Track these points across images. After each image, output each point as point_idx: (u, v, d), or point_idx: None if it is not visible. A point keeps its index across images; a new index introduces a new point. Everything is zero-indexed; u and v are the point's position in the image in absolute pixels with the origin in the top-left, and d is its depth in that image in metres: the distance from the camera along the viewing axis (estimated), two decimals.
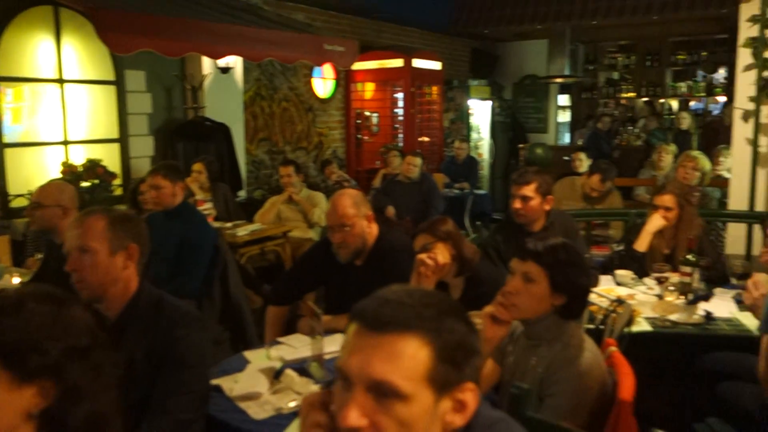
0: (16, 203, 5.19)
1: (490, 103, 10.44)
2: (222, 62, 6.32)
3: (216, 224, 5.03)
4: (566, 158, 7.74)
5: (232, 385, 2.20)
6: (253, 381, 2.22)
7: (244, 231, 5.03)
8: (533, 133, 11.32)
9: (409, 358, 0.98)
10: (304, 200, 5.67)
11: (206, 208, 5.16)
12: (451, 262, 2.61)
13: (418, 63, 8.73)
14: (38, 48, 5.45)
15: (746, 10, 4.25)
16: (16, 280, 3.56)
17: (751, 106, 4.24)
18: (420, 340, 0.99)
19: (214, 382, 2.19)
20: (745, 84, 4.30)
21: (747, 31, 4.23)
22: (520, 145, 10.31)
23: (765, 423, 2.30)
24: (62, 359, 1.11)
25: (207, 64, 6.38)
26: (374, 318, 1.01)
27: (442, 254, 2.57)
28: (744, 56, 4.28)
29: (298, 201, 5.65)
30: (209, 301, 3.76)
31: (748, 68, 4.25)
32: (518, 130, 11.22)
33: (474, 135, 10.35)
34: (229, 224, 5.23)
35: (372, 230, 2.92)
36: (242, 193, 6.77)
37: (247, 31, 5.38)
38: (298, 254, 5.30)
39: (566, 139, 11.79)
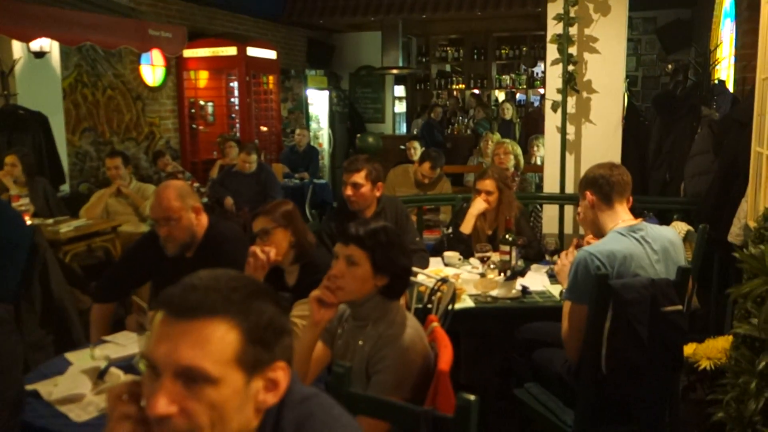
0: None
1: (327, 93, 10.53)
2: (35, 45, 5.83)
3: (35, 221, 4.67)
4: (402, 147, 8.01)
5: (51, 389, 2.08)
6: (74, 383, 2.10)
7: (67, 227, 4.71)
8: (371, 123, 11.60)
9: (217, 341, 1.00)
10: (134, 193, 5.41)
11: (22, 203, 4.78)
12: (289, 249, 2.63)
13: (252, 52, 8.60)
14: None
15: (552, 9, 4.63)
16: None
17: (558, 97, 4.63)
18: (228, 323, 1.01)
19: (30, 387, 2.06)
20: (554, 77, 4.69)
21: (554, 28, 4.62)
22: (358, 135, 10.52)
23: (572, 382, 2.55)
24: None
25: (18, 48, 5.86)
26: (181, 305, 1.01)
27: (279, 245, 2.58)
28: (552, 51, 4.66)
29: (128, 194, 5.37)
30: (28, 303, 3.49)
31: (555, 62, 4.63)
32: (356, 120, 11.44)
33: (313, 125, 10.40)
34: (50, 220, 4.88)
35: (201, 221, 2.86)
36: (65, 187, 6.32)
37: (62, 13, 5.01)
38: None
39: (403, 129, 12.20)
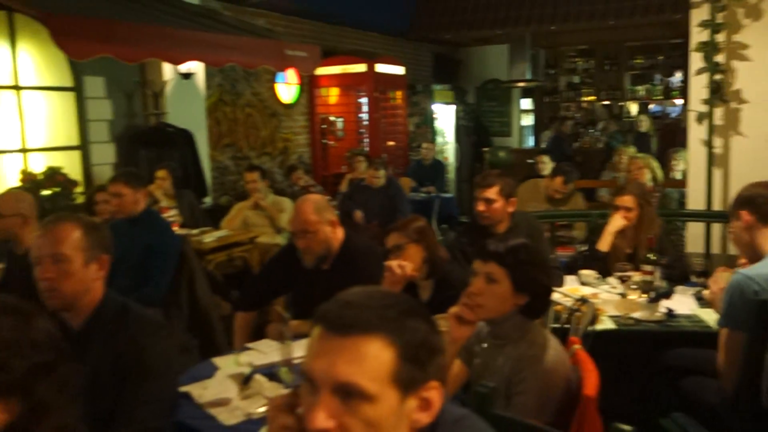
0: None
1: (453, 107, 10.53)
2: (183, 68, 6.26)
3: (182, 231, 4.98)
4: (530, 161, 7.86)
5: (202, 391, 2.19)
6: (222, 387, 2.21)
7: (210, 238, 4.99)
8: (497, 137, 11.47)
9: (373, 359, 1.00)
10: (271, 206, 5.65)
11: (171, 215, 5.12)
12: (422, 264, 2.64)
13: (381, 68, 8.77)
14: None
15: (696, 16, 4.38)
16: None
17: (704, 108, 4.36)
18: (383, 341, 1.01)
19: (183, 389, 2.18)
20: (698, 87, 4.42)
21: (698, 35, 4.36)
22: (484, 149, 10.43)
23: (727, 416, 2.37)
24: (28, 376, 1.10)
25: (168, 69, 6.32)
26: (337, 321, 1.03)
27: (412, 259, 2.60)
28: (696, 60, 4.40)
29: (265, 207, 5.62)
30: (176, 308, 3.73)
31: (700, 72, 4.37)
32: (482, 133, 11.35)
33: (439, 139, 10.44)
34: (195, 231, 5.18)
35: (337, 235, 2.93)
36: (208, 200, 6.71)
37: (208, 36, 5.35)
38: (266, 260, 5.27)
39: (530, 142, 11.97)
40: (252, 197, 5.67)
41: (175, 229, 4.83)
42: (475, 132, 11.19)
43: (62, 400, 1.15)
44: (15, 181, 5.32)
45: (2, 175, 5.40)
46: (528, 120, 12.12)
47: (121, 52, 4.41)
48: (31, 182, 5.29)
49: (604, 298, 3.12)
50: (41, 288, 1.94)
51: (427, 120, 10.28)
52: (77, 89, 5.88)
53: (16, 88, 5.48)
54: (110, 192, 3.76)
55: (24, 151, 5.54)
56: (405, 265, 2.54)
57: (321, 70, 8.33)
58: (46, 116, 5.76)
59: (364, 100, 8.84)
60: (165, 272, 3.70)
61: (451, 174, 10.30)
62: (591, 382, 1.77)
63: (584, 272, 3.51)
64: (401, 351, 1.01)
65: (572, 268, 3.68)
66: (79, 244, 1.95)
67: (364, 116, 8.86)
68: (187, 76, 6.44)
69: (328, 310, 1.05)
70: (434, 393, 1.06)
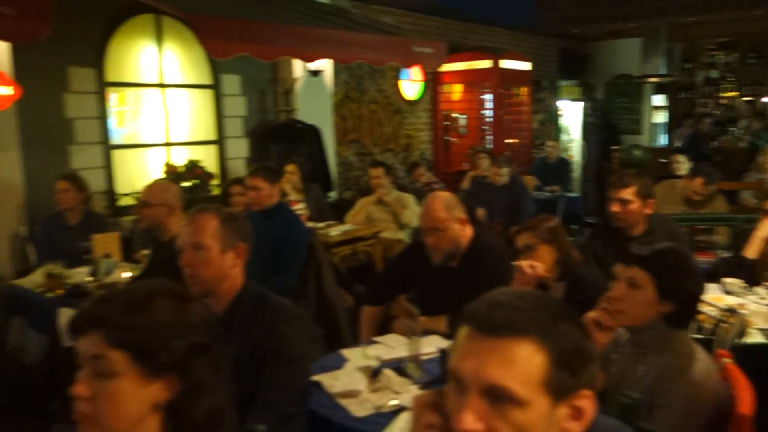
0: (123, 202, 5.48)
1: (580, 104, 10.18)
2: (312, 66, 6.45)
3: (309, 224, 5.13)
4: (663, 160, 7.45)
5: (332, 382, 2.24)
6: (351, 379, 2.25)
7: (336, 231, 5.11)
8: (627, 135, 10.97)
9: (524, 363, 0.97)
10: (394, 202, 5.71)
11: (299, 208, 5.28)
12: (554, 266, 2.56)
13: (506, 64, 8.62)
14: (141, 54, 5.73)
15: None
16: (126, 274, 3.76)
17: None
18: (535, 344, 0.98)
19: (314, 378, 2.23)
20: None
21: None
22: (613, 147, 10.01)
23: None
24: (187, 356, 1.16)
25: (298, 67, 6.53)
26: (487, 321, 1.00)
27: (543, 260, 2.53)
28: None
29: (388, 202, 5.69)
30: (304, 299, 3.84)
31: None
32: (611, 131, 10.90)
33: (564, 137, 10.13)
34: (321, 224, 5.32)
35: (465, 233, 2.90)
36: (333, 194, 6.88)
37: (338, 34, 5.47)
38: (388, 255, 5.34)
39: (662, 140, 11.36)
40: (376, 193, 5.75)
41: (304, 221, 4.97)
42: (602, 129, 10.76)
43: (215, 381, 1.21)
44: (159, 173, 5.70)
45: (147, 168, 5.80)
46: (660, 117, 11.50)
47: (258, 51, 4.60)
48: (173, 174, 5.65)
49: (752, 309, 2.90)
50: (185, 274, 2.06)
51: (552, 117, 10.01)
52: (216, 87, 6.21)
53: (162, 86, 5.86)
54: (248, 185, 3.93)
55: (167, 145, 5.92)
56: (536, 265, 2.48)
57: (445, 67, 8.28)
58: (188, 112, 6.13)
59: (488, 96, 8.72)
60: (295, 263, 3.82)
61: (576, 173, 9.97)
62: (746, 399, 1.64)
63: (729, 280, 3.28)
64: (554, 356, 0.98)
65: (713, 275, 3.44)
66: (215, 234, 2.05)
67: (488, 113, 8.75)
68: (315, 73, 6.62)
69: (476, 309, 1.03)
70: (586, 402, 1.02)
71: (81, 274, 3.83)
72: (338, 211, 6.04)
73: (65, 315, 3.23)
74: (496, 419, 0.96)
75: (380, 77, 7.89)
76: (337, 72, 7.17)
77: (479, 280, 2.75)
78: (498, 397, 0.96)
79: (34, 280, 3.81)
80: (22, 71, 4.60)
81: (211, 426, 1.20)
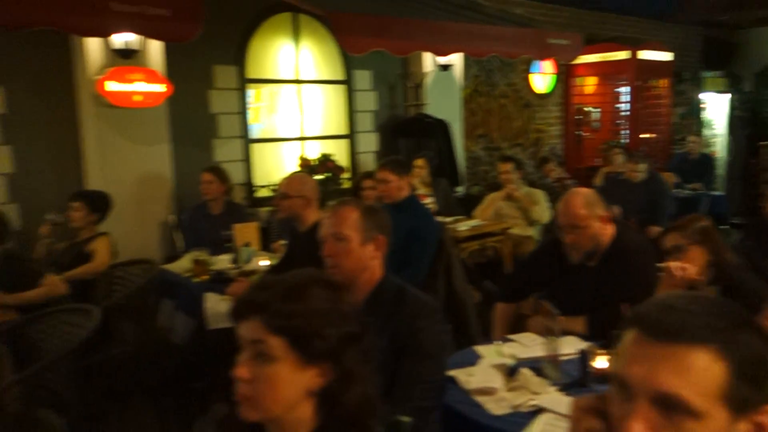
0: (260, 194, 5.74)
1: (726, 96, 9.49)
2: (443, 60, 6.43)
3: (438, 219, 5.13)
4: None
5: (467, 378, 2.22)
6: (487, 376, 2.22)
7: (464, 226, 5.08)
8: None
9: (701, 372, 0.90)
10: (524, 197, 5.59)
11: (428, 202, 5.29)
12: (706, 268, 2.40)
13: (644, 54, 8.20)
14: (279, 52, 5.96)
15: None
16: (264, 263, 3.93)
17: None
18: (713, 353, 0.91)
19: (449, 373, 2.22)
20: None
21: None
22: (762, 143, 9.26)
23: None
24: (340, 345, 1.19)
25: (428, 62, 6.54)
26: (658, 326, 0.94)
27: (694, 262, 2.37)
28: None
29: (518, 198, 5.57)
30: (433, 293, 3.84)
31: None
32: (760, 126, 10.07)
33: (707, 131, 9.49)
34: (449, 219, 5.31)
35: (607, 231, 2.78)
36: (460, 189, 6.85)
37: (471, 28, 5.42)
38: (517, 251, 5.24)
39: None
40: (505, 188, 5.65)
41: None
42: (751, 124, 9.97)
43: (365, 371, 1.23)
44: (294, 166, 5.91)
45: (283, 161, 6.03)
46: None
47: (392, 46, 4.66)
48: (306, 167, 5.84)
49: None
50: (326, 264, 2.11)
51: (694, 110, 9.40)
52: (348, 82, 6.34)
53: (297, 82, 6.07)
54: (377, 178, 3.98)
55: (302, 139, 6.13)
56: (687, 267, 2.33)
57: (579, 59, 8.02)
58: (321, 107, 6.31)
59: (623, 89, 8.35)
60: (424, 257, 3.83)
61: (720, 170, 9.31)
62: None
63: None
64: (734, 367, 0.90)
65: None
66: (356, 225, 2.09)
67: (623, 106, 8.37)
68: (445, 67, 6.60)
69: (646, 312, 0.97)
70: None
71: (224, 261, 4.05)
72: (466, 206, 6.00)
73: (210, 299, 3.42)
74: (668, 430, 0.90)
75: (510, 70, 7.75)
76: (467, 66, 7.11)
77: (622, 281, 2.64)
78: (670, 407, 0.90)
79: (182, 265, 4.08)
80: (172, 70, 4.91)
81: (361, 415, 1.22)
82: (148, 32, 4.15)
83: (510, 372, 2.26)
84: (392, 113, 6.68)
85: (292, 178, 3.60)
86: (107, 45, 4.54)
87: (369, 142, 6.55)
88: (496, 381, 2.18)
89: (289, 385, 1.16)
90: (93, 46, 4.54)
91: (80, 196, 4.17)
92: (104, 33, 4.26)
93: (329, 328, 1.18)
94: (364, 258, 2.08)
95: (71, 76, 4.72)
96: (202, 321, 3.44)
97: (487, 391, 2.12)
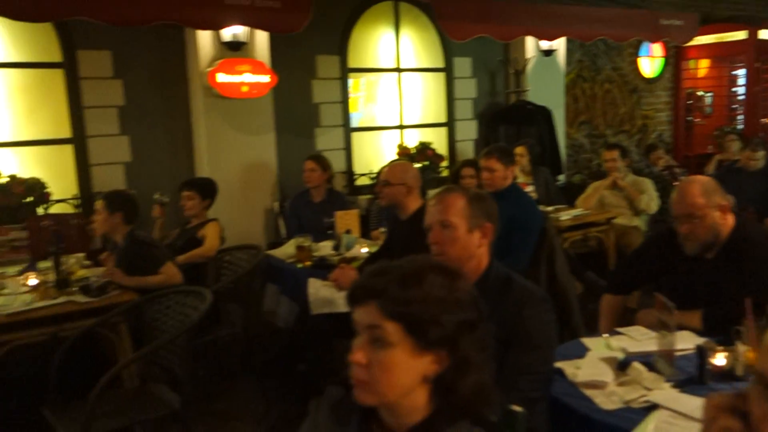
0: (360, 182, 5.82)
1: None
2: (545, 45, 6.27)
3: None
4: None
5: (574, 370, 2.16)
6: (596, 369, 2.15)
7: (566, 216, 4.95)
8: None
9: None
10: (630, 186, 5.37)
11: (528, 191, 5.17)
12: None
13: (764, 34, 7.67)
14: (380, 41, 5.99)
15: None
16: (364, 250, 3.98)
17: None
18: None
19: (556, 365, 2.17)
20: None
21: None
22: None
23: None
24: (456, 332, 1.18)
25: (530, 47, 6.39)
26: None
27: None
28: None
29: (623, 187, 5.36)
30: (535, 283, 3.76)
31: None
32: None
33: None
34: (550, 208, 5.18)
35: (727, 221, 2.62)
36: (561, 177, 6.67)
37: (578, 10, 5.26)
38: (622, 242, 5.06)
39: None
40: (610, 176, 5.45)
41: None
42: None
43: (481, 359, 1.21)
44: (393, 155, 5.95)
45: (382, 149, 6.08)
46: None
47: (497, 32, 4.59)
48: (405, 156, 5.86)
49: None
50: (432, 251, 2.10)
51: None
52: (447, 70, 6.30)
53: (398, 70, 6.09)
54: (482, 166, 3.93)
55: (401, 127, 6.15)
56: None
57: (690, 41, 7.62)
58: (420, 96, 6.30)
59: (740, 72, 7.86)
60: (526, 246, 3.75)
61: None
62: None
63: None
64: None
65: None
66: (463, 213, 2.07)
67: (740, 90, 7.89)
68: (548, 53, 6.43)
69: None
70: None
71: (326, 248, 4.13)
72: (567, 195, 5.85)
73: (313, 285, 3.50)
74: None
75: (616, 54, 7.45)
76: (570, 50, 6.90)
77: (743, 275, 2.48)
78: None
79: (286, 251, 4.19)
80: (277, 61, 5.04)
81: (476, 403, 1.21)
82: (259, 24, 4.30)
83: (620, 366, 2.18)
84: (492, 100, 6.59)
85: (394, 166, 3.61)
86: (217, 38, 4.72)
87: (468, 130, 6.49)
88: (606, 375, 2.11)
89: (404, 370, 1.16)
90: (204, 39, 4.72)
91: (191, 184, 4.36)
92: (218, 25, 4.45)
93: (446, 314, 1.17)
94: (471, 246, 2.07)
95: (184, 68, 4.94)
96: (305, 306, 3.52)
97: (597, 385, 2.05)
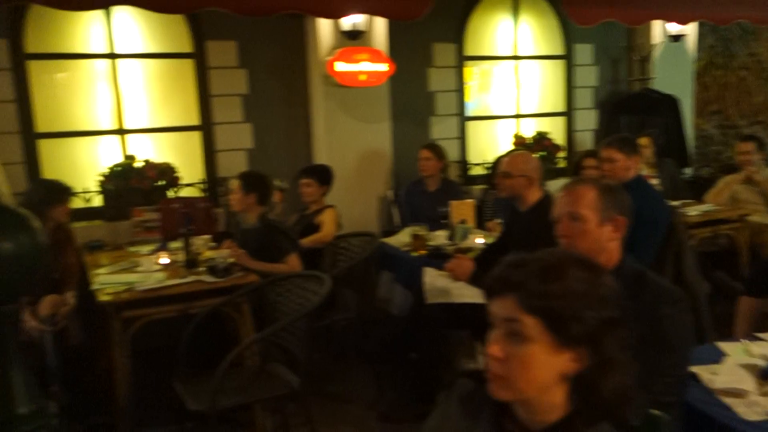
0: (474, 171, 5.75)
1: None
2: (674, 30, 5.92)
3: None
4: None
5: (711, 376, 2.03)
6: (735, 376, 2.01)
7: (694, 211, 4.67)
8: None
9: None
10: (766, 182, 4.99)
11: (652, 184, 4.93)
12: None
13: None
14: (497, 28, 5.87)
15: None
16: (479, 241, 3.93)
17: None
18: None
19: (691, 369, 2.05)
20: None
21: None
22: None
23: None
24: (598, 329, 1.12)
25: (657, 32, 6.05)
26: None
27: None
28: None
29: (759, 182, 4.99)
30: None
31: None
32: None
33: None
34: (676, 203, 4.91)
35: None
36: (688, 170, 6.30)
37: None
38: (756, 241, 4.71)
39: None
40: (744, 170, 5.09)
41: None
42: None
43: (623, 359, 1.15)
44: (508, 145, 5.83)
45: (497, 139, 5.97)
46: None
47: (625, 16, 4.38)
48: (521, 146, 5.73)
49: None
50: (561, 245, 2.03)
51: None
52: (567, 57, 6.09)
53: (515, 58, 5.95)
54: (602, 156, 3.77)
55: (517, 116, 6.02)
56: None
57: None
58: (538, 84, 6.13)
59: None
60: (651, 241, 3.56)
61: None
62: None
63: None
64: None
65: None
66: (594, 205, 1.99)
67: None
68: (676, 38, 6.07)
69: None
70: None
71: (440, 237, 4.12)
72: (694, 189, 5.51)
73: (429, 274, 3.49)
74: None
75: (753, 39, 6.93)
76: (701, 35, 6.48)
77: None
78: None
79: (401, 239, 4.21)
80: (394, 49, 5.05)
81: (617, 404, 1.15)
82: (380, 11, 4.32)
83: (762, 374, 2.03)
84: (614, 89, 6.30)
85: (514, 157, 3.52)
86: (337, 27, 4.79)
87: (587, 120, 6.25)
88: (747, 383, 1.97)
89: (542, 367, 1.13)
90: (324, 29, 4.80)
91: (310, 171, 4.46)
92: (341, 13, 4.50)
93: (588, 311, 1.12)
94: (601, 239, 1.98)
95: (304, 58, 5.06)
96: (419, 294, 3.52)
97: (737, 393, 1.92)
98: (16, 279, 0.93)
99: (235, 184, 3.77)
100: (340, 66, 4.78)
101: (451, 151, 5.47)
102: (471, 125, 5.82)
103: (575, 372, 1.13)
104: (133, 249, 4.19)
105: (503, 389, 1.15)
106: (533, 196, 3.33)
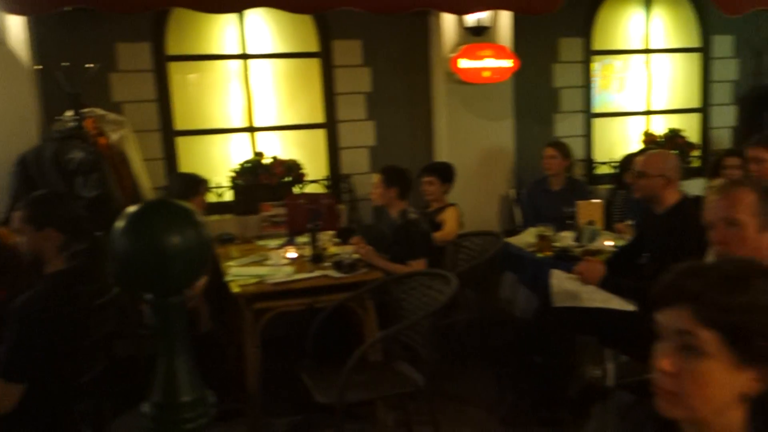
0: (600, 170, 5.53)
1: None
2: None
3: None
4: None
5: None
6: None
7: None
8: None
9: None
10: None
11: None
12: None
13: None
14: (628, 21, 5.61)
15: None
16: (609, 243, 3.76)
17: None
18: None
19: None
20: None
21: None
22: None
23: None
24: None
25: None
26: None
27: None
28: None
29: None
30: None
31: None
32: None
33: None
34: None
35: None
36: None
37: None
38: None
39: None
40: None
41: None
42: None
43: None
44: (637, 143, 5.56)
45: (626, 136, 5.71)
46: None
47: None
48: (651, 144, 5.44)
49: None
50: (715, 252, 1.89)
51: None
52: (704, 50, 5.73)
53: (646, 51, 5.67)
54: (750, 156, 3.50)
55: (648, 113, 5.73)
56: None
57: None
58: (671, 79, 5.81)
59: None
60: None
61: None
62: None
63: None
64: None
65: None
66: (753, 209, 1.84)
67: None
68: None
69: None
70: None
71: (566, 239, 3.98)
72: None
73: (557, 276, 3.38)
74: None
75: None
76: None
77: None
78: None
79: (525, 239, 4.10)
80: (518, 45, 4.94)
81: None
82: (513, 6, 4.23)
83: None
84: (757, 83, 5.86)
85: (651, 156, 3.32)
86: (461, 24, 4.74)
87: (726, 117, 5.85)
88: None
89: (720, 385, 1.04)
90: (448, 25, 4.77)
91: (432, 169, 4.44)
92: (472, 9, 4.42)
93: None
94: (762, 247, 1.83)
95: (427, 55, 5.04)
96: (545, 296, 3.42)
97: None
98: (182, 272, 0.96)
99: (377, 178, 3.84)
100: (463, 63, 4.73)
101: (576, 149, 5.27)
102: (597, 122, 5.60)
103: (757, 392, 1.04)
104: (261, 242, 4.34)
105: (674, 406, 1.07)
106: (671, 197, 3.14)
